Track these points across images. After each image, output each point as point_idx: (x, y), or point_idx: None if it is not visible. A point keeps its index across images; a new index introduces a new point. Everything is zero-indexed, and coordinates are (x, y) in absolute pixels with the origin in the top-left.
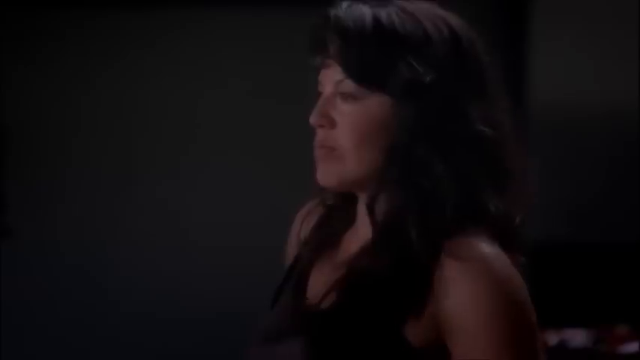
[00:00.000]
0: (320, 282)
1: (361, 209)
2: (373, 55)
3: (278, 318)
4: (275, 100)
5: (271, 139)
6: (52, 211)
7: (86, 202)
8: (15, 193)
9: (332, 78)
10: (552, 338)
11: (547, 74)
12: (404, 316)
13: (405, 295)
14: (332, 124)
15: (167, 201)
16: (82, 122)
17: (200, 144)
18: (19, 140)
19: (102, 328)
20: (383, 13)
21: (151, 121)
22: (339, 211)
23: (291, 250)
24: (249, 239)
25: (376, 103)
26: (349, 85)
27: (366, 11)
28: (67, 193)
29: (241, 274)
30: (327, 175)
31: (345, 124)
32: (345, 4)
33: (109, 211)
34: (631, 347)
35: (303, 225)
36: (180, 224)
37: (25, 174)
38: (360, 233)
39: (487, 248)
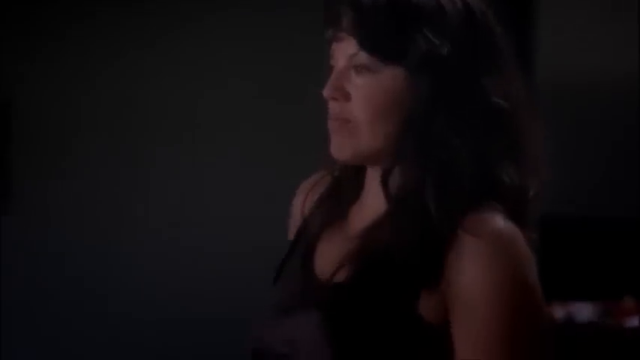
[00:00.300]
0: (329, 255)
1: (371, 182)
2: (387, 27)
3: (287, 292)
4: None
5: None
6: (56, 188)
7: (90, 182)
8: (19, 166)
9: (345, 51)
10: (559, 312)
11: (553, 51)
12: (418, 290)
13: (419, 269)
14: (346, 97)
15: (168, 191)
16: (87, 100)
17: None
18: (24, 116)
19: (101, 306)
20: None
21: (155, 110)
22: (346, 183)
23: (294, 223)
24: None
25: (391, 76)
26: (363, 58)
27: None
28: (72, 170)
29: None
30: (342, 147)
31: (359, 97)
32: None
33: (111, 191)
34: (637, 321)
35: (308, 197)
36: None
37: (30, 151)
38: (370, 206)
39: (502, 224)
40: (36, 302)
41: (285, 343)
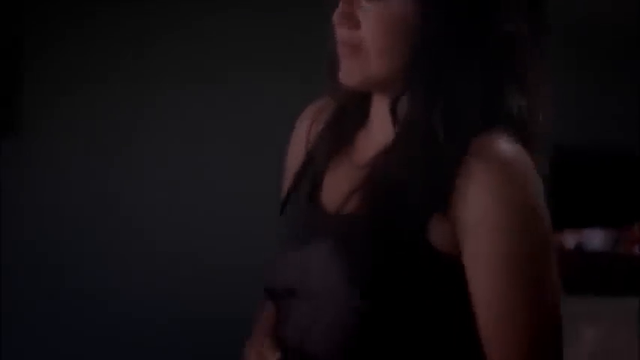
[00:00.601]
0: (337, 185)
1: (377, 109)
2: None
3: (296, 224)
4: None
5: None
6: (66, 114)
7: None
8: (30, 87)
9: None
10: (570, 240)
11: None
12: (427, 218)
13: (428, 195)
14: (356, 24)
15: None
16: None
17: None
18: (36, 51)
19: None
20: None
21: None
22: (351, 110)
23: (297, 151)
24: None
25: (402, 2)
26: None
27: None
28: (84, 94)
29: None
30: (351, 74)
31: (369, 23)
32: None
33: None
34: None
35: (313, 123)
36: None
37: (42, 74)
38: (376, 134)
39: (511, 149)
40: (37, 202)
41: (297, 276)
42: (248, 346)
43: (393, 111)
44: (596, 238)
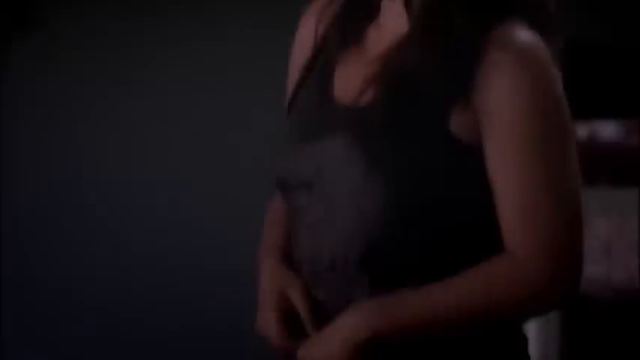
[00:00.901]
0: (349, 78)
1: (389, 3)
2: None
3: (307, 119)
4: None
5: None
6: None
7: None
8: None
9: None
10: (582, 131)
11: None
12: (448, 107)
13: (448, 85)
14: None
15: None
16: None
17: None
18: None
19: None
20: None
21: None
22: (360, 4)
23: (304, 44)
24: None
25: None
26: None
27: None
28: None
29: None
30: None
31: None
32: None
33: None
34: None
35: (320, 19)
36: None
37: None
38: (388, 27)
39: (530, 38)
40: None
41: (312, 170)
42: (264, 274)
43: (408, 4)
44: (607, 129)
